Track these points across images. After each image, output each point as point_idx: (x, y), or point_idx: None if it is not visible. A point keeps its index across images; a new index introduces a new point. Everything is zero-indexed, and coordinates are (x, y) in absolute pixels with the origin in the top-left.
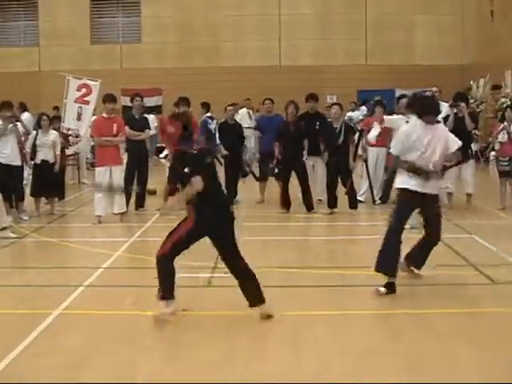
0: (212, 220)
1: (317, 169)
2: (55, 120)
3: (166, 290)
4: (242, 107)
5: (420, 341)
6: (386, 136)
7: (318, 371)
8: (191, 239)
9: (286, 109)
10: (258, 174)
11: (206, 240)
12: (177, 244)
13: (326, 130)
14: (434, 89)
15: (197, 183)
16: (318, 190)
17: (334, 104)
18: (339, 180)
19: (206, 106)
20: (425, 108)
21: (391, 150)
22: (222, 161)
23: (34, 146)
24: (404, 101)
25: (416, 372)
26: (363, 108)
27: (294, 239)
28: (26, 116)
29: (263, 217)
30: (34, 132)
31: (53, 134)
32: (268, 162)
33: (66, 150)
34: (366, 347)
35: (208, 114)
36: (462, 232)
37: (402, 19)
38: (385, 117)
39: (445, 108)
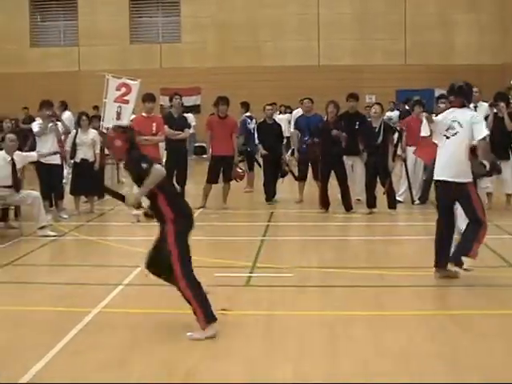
0: (189, 209)
1: (356, 169)
2: (94, 119)
3: (207, 314)
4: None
5: (459, 341)
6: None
7: (355, 371)
8: (185, 240)
9: (327, 108)
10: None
11: (244, 239)
12: (182, 259)
13: (365, 130)
14: (475, 89)
15: (160, 169)
16: (357, 189)
17: (375, 103)
18: (378, 180)
19: (245, 106)
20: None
21: (486, 135)
22: (261, 161)
23: (74, 145)
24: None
25: (454, 372)
26: (405, 107)
27: (332, 239)
28: (66, 115)
29: (302, 217)
30: (74, 131)
31: (92, 133)
32: (307, 162)
33: (106, 150)
34: (404, 348)
35: (247, 114)
36: (502, 233)
37: (441, 18)
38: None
39: (484, 108)
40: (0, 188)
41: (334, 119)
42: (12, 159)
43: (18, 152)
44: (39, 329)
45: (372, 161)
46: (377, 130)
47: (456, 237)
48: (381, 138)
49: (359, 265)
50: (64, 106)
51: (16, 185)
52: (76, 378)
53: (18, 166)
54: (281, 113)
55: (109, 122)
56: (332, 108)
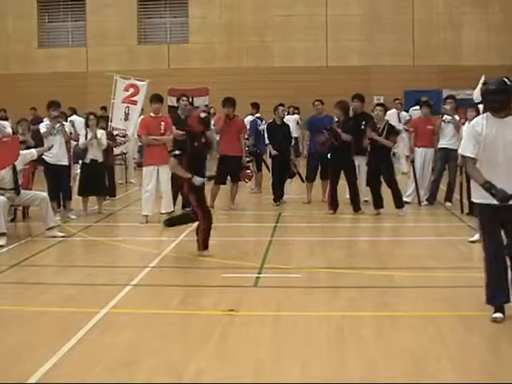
0: None
1: (361, 168)
2: (101, 120)
3: None
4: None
5: (468, 343)
6: (432, 136)
7: (363, 372)
8: None
9: (335, 109)
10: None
11: (252, 239)
12: None
13: (370, 129)
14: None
15: None
16: (364, 190)
17: (378, 105)
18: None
19: (255, 107)
20: None
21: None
22: (269, 162)
23: (86, 146)
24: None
25: (463, 374)
26: (416, 108)
27: (340, 240)
28: (73, 118)
29: (310, 217)
30: (84, 131)
31: (99, 133)
32: (317, 162)
33: (114, 150)
34: (412, 349)
35: (257, 115)
36: None
37: (450, 19)
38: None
39: None
40: (6, 190)
41: (343, 120)
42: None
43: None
44: (47, 329)
45: (374, 161)
46: (380, 130)
47: None
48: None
49: (367, 265)
50: (72, 111)
51: (16, 187)
52: (84, 379)
53: (19, 168)
54: (289, 113)
55: (117, 123)
56: (337, 109)
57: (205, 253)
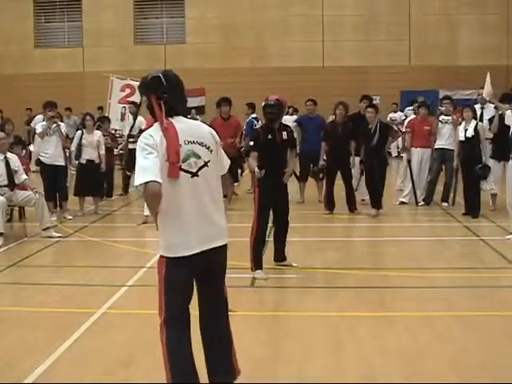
0: None
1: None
2: (105, 120)
3: None
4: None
5: (464, 342)
6: (429, 137)
7: (360, 372)
8: None
9: (335, 109)
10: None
11: (248, 240)
12: None
13: (364, 132)
14: (481, 91)
15: None
16: (362, 190)
17: (369, 106)
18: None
19: (252, 107)
20: None
21: None
22: None
23: (80, 146)
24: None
25: (460, 373)
26: (411, 108)
27: (336, 240)
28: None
29: (305, 217)
30: (79, 132)
31: (97, 134)
32: (308, 162)
33: (114, 150)
34: (408, 348)
35: (254, 115)
36: (505, 234)
37: (446, 19)
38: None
39: (491, 109)
40: (1, 188)
41: (343, 120)
42: (5, 157)
43: (15, 156)
44: (44, 330)
45: (369, 161)
46: (372, 130)
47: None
48: (376, 139)
49: (363, 266)
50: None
51: (11, 183)
52: (82, 379)
53: (13, 166)
54: (287, 114)
55: (113, 123)
56: (341, 109)
57: (256, 274)
